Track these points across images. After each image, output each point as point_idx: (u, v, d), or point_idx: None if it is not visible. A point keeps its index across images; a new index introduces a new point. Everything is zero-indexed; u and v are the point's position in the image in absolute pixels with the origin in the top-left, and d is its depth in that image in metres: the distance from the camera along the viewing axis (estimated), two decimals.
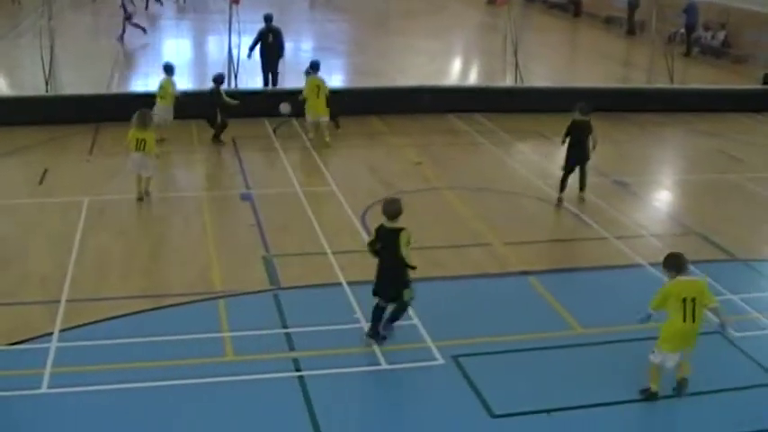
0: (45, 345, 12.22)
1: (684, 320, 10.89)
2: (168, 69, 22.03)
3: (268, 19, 25.82)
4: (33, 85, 25.64)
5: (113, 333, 12.60)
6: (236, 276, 14.49)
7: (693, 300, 10.87)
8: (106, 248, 15.63)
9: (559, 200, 18.02)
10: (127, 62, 32.40)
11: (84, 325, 12.80)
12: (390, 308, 12.46)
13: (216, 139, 21.86)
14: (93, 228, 16.51)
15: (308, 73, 22.64)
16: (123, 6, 35.40)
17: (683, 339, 11.04)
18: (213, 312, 13.28)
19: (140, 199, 17.90)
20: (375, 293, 12.46)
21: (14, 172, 19.92)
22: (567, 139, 18.00)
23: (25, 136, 21.99)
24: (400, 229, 12.11)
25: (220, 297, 13.73)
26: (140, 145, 17.70)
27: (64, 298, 13.63)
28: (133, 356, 11.98)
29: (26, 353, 12.12)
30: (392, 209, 12.22)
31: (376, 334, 12.44)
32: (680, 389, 11.36)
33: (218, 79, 22.00)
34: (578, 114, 18.02)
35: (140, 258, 15.30)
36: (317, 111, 22.08)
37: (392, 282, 12.33)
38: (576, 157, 18.00)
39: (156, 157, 18.33)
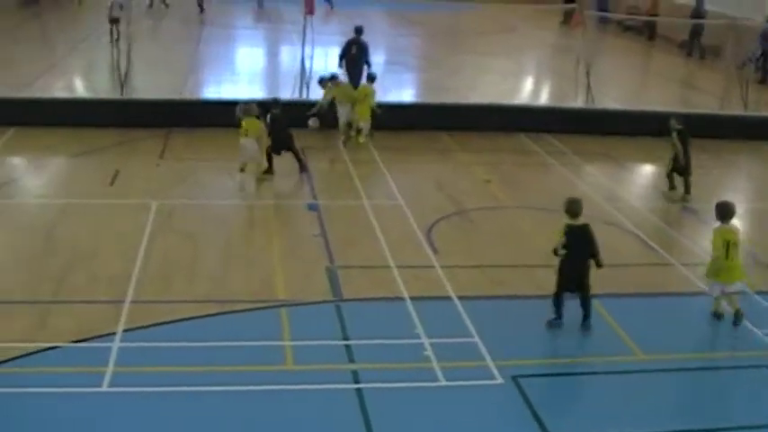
0: (108, 344, 12.35)
1: (726, 258, 13.47)
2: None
3: (356, 31, 25.88)
4: (109, 89, 26.02)
5: (175, 336, 12.70)
6: (299, 286, 14.52)
7: (734, 242, 13.55)
8: (172, 252, 15.76)
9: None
10: (200, 69, 32.69)
11: (148, 326, 12.92)
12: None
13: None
14: (160, 231, 16.67)
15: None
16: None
17: (726, 273, 13.53)
18: (275, 321, 13.33)
19: (242, 170, 19.31)
20: (567, 289, 13.28)
21: (87, 173, 20.18)
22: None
23: (99, 138, 22.30)
24: (587, 224, 13.30)
25: (283, 306, 13.76)
26: (246, 132, 19.06)
27: (129, 299, 13.76)
28: (194, 360, 12.06)
29: (90, 351, 12.26)
30: (579, 207, 13.29)
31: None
32: (737, 319, 13.63)
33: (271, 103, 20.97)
34: (676, 124, 19.72)
35: (205, 263, 15.41)
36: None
37: (584, 272, 13.19)
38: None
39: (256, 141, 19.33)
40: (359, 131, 23.04)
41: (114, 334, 12.62)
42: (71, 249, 15.74)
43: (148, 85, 26.41)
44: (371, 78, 23.67)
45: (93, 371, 11.67)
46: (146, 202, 18.03)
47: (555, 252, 13.28)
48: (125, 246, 15.89)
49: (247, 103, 19.81)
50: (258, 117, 19.49)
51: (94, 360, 11.96)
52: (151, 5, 45.20)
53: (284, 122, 20.24)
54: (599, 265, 13.24)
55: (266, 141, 19.71)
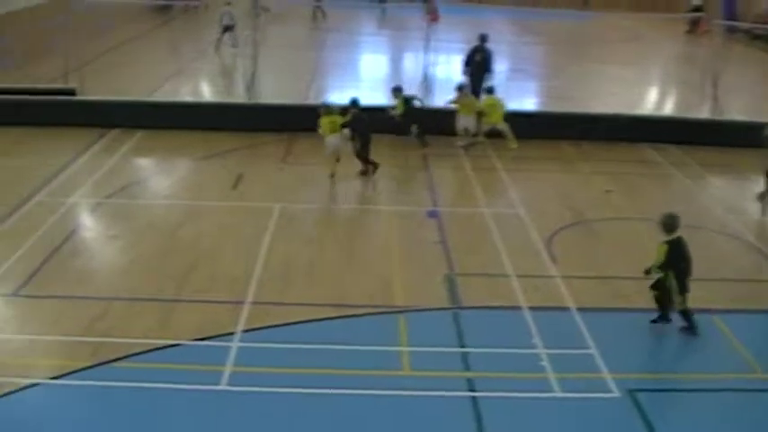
0: (228, 343, 12.55)
1: None
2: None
3: (481, 39, 25.82)
4: (233, 93, 26.48)
5: (294, 338, 12.84)
6: (417, 292, 14.53)
7: None
8: (293, 255, 15.92)
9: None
10: (324, 75, 33.01)
11: (267, 327, 13.09)
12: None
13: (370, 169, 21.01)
14: (281, 234, 16.87)
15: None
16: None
17: None
18: (393, 326, 13.36)
19: (333, 176, 19.90)
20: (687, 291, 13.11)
21: (212, 175, 20.54)
22: None
23: (224, 141, 22.71)
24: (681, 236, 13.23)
25: (401, 312, 13.78)
26: (333, 128, 19.84)
27: (249, 299, 13.97)
28: (311, 363, 12.16)
29: (210, 349, 12.48)
30: (677, 222, 13.23)
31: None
32: None
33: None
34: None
35: (325, 267, 15.53)
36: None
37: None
38: None
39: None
40: (506, 138, 22.98)
41: (234, 334, 12.83)
42: (194, 250, 16.04)
43: (273, 90, 26.72)
44: (490, 91, 23.66)
45: (212, 369, 11.88)
46: (268, 205, 18.27)
47: (648, 272, 13.14)
48: (247, 248, 16.13)
49: (327, 103, 20.69)
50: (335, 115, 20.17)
51: (214, 359, 12.17)
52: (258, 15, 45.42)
53: (364, 124, 20.47)
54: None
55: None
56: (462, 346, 12.80)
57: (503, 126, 22.97)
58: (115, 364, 12.00)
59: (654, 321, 13.43)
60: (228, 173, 20.40)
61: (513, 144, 22.79)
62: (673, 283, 13.05)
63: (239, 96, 26.41)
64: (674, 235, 13.11)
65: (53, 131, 23.29)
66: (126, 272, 15.19)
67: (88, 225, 17.68)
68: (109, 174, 20.16)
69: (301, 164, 21.29)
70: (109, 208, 18.17)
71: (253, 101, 25.29)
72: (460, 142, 22.93)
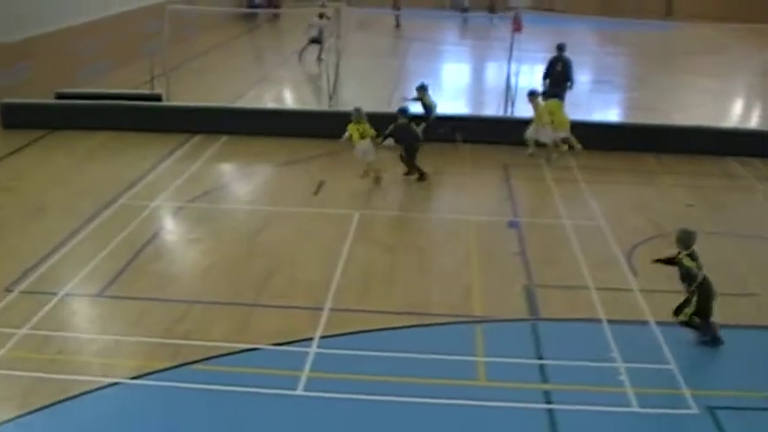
0: (305, 349, 12.62)
1: None
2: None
3: (559, 48, 25.67)
4: (316, 100, 26.66)
5: (371, 345, 12.85)
6: (495, 302, 14.46)
7: None
8: (372, 262, 15.96)
9: None
10: (406, 83, 33.03)
11: (344, 334, 13.13)
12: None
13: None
14: (360, 241, 16.92)
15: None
16: None
17: None
18: (470, 336, 13.30)
19: (364, 176, 20.43)
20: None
21: (294, 181, 20.68)
22: None
23: (307, 148, 22.84)
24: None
25: (479, 322, 13.72)
26: (363, 134, 20.19)
27: (327, 306, 14.02)
28: (387, 370, 12.17)
29: (287, 354, 12.55)
30: (694, 239, 13.15)
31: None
32: None
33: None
34: None
35: (403, 275, 15.53)
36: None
37: None
38: None
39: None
40: (569, 145, 22.81)
41: (312, 339, 12.89)
42: (274, 255, 16.17)
43: (355, 98, 26.80)
44: (551, 95, 23.68)
45: (290, 374, 11.94)
46: (348, 212, 18.35)
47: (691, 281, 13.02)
48: (326, 254, 16.21)
49: (357, 109, 20.70)
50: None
51: (291, 364, 12.23)
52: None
53: (408, 132, 20.47)
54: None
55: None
56: (540, 358, 12.70)
57: (566, 131, 22.82)
58: (194, 367, 12.15)
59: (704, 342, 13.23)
60: (310, 179, 20.52)
61: (578, 145, 22.70)
62: (693, 300, 12.93)
63: (322, 103, 26.57)
64: (690, 251, 13.00)
65: (139, 136, 23.69)
66: (206, 275, 15.37)
67: (170, 228, 17.93)
68: (192, 178, 20.41)
69: (383, 171, 21.29)
70: (191, 212, 18.40)
71: (334, 108, 25.41)
72: (529, 150, 22.81)
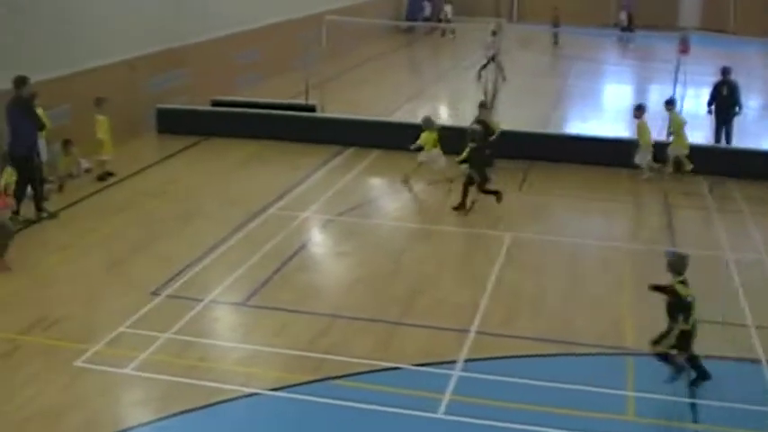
0: (449, 371, 12.56)
1: None
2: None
3: (724, 72, 25.06)
4: (471, 117, 26.60)
5: (515, 371, 12.70)
6: (649, 334, 14.05)
7: None
8: (521, 285, 15.81)
9: None
10: (566, 103, 32.75)
11: (489, 359, 13.02)
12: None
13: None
14: (510, 263, 16.78)
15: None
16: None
17: None
18: (620, 368, 13.02)
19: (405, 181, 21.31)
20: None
21: (444, 199, 20.61)
22: None
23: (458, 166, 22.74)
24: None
25: (630, 354, 13.41)
26: (435, 143, 21.05)
27: (473, 329, 13.94)
28: (531, 398, 12.00)
29: (430, 376, 12.51)
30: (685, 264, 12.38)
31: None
32: None
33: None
34: None
35: (552, 300, 15.33)
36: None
37: None
38: None
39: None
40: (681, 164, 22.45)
41: (455, 362, 12.82)
42: (421, 273, 16.18)
43: (513, 117, 26.65)
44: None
45: (431, 396, 11.89)
46: (499, 233, 18.22)
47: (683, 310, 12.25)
48: (474, 275, 16.14)
49: (428, 117, 21.64)
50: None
51: (433, 385, 12.18)
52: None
53: (481, 154, 19.69)
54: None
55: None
56: (692, 397, 12.33)
57: (685, 150, 22.44)
58: (334, 382, 12.23)
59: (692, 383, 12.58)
60: (452, 198, 20.39)
61: (688, 167, 22.28)
62: (675, 329, 12.18)
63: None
64: (682, 278, 12.27)
65: (291, 146, 24.10)
66: (351, 290, 15.48)
67: (318, 240, 18.14)
68: (342, 191, 20.63)
69: (537, 193, 21.14)
70: (339, 225, 18.58)
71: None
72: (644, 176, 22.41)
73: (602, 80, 39.70)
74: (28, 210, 18.23)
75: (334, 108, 26.12)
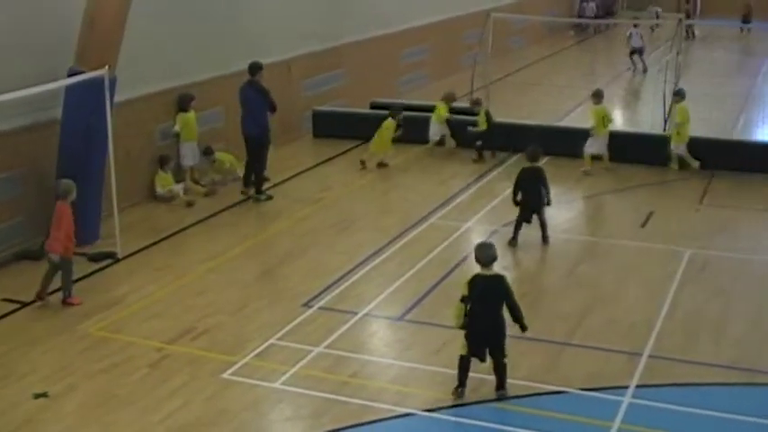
0: (619, 397, 12.44)
1: None
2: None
3: None
4: (649, 122, 26.32)
5: (692, 401, 12.46)
6: None
7: None
8: (701, 307, 15.51)
9: None
10: (755, 106, 31.94)
11: (663, 385, 12.84)
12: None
13: None
14: (690, 282, 16.49)
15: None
16: None
17: None
18: None
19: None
20: (474, 355, 12.28)
21: (621, 211, 20.49)
22: None
23: (637, 175, 22.52)
24: (501, 276, 12.43)
25: None
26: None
27: (647, 352, 13.77)
28: (708, 431, 11.77)
29: (598, 402, 12.43)
30: (491, 253, 12.30)
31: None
32: None
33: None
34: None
35: (735, 325, 14.94)
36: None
37: (497, 335, 12.31)
38: None
39: None
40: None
41: (627, 387, 12.69)
42: (591, 290, 16.07)
43: (694, 120, 26.17)
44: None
45: (599, 424, 11.81)
46: (678, 249, 17.93)
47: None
48: (650, 294, 15.93)
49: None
50: None
51: (602, 412, 12.09)
52: (688, 37, 44.38)
53: (532, 180, 18.42)
54: (522, 328, 12.58)
55: None
56: None
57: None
58: (494, 405, 12.24)
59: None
60: (638, 210, 20.20)
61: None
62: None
63: (655, 126, 25.99)
64: (489, 271, 12.25)
65: (454, 152, 24.21)
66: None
67: None
68: (508, 200, 20.55)
69: (720, 206, 20.70)
70: (505, 236, 18.45)
71: (669, 131, 24.85)
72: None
73: None
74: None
75: (500, 112, 25.93)
